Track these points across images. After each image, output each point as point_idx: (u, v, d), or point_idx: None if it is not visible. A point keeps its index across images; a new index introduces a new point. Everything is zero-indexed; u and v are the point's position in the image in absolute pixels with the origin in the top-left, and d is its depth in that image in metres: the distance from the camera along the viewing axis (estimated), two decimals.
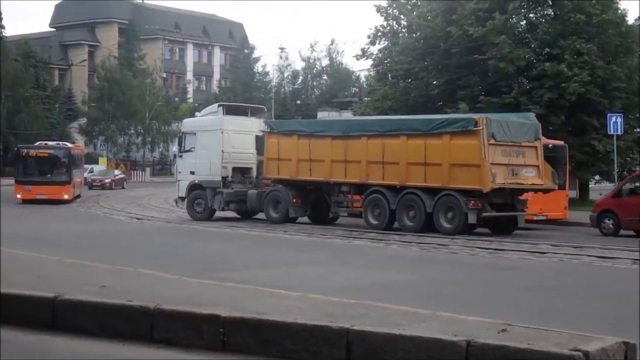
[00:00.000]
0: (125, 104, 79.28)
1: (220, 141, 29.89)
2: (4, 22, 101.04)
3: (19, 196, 39.88)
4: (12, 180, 42.03)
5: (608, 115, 33.98)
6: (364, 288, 12.59)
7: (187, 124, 32.99)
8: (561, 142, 31.46)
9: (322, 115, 68.16)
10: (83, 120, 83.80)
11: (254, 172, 30.84)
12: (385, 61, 45.32)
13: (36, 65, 79.21)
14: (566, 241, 22.57)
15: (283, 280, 12.72)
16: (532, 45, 39.53)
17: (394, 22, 45.01)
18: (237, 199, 29.99)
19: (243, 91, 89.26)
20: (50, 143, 46.50)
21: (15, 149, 43.91)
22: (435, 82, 41.51)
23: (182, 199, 31.09)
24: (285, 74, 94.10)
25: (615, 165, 34.90)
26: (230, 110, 31.71)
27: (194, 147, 30.65)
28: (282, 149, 28.72)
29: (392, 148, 25.81)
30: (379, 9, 44.59)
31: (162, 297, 8.68)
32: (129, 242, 21.74)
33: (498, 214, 25.18)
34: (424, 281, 14.42)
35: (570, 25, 37.86)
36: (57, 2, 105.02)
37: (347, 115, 57.35)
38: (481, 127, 23.82)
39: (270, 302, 8.83)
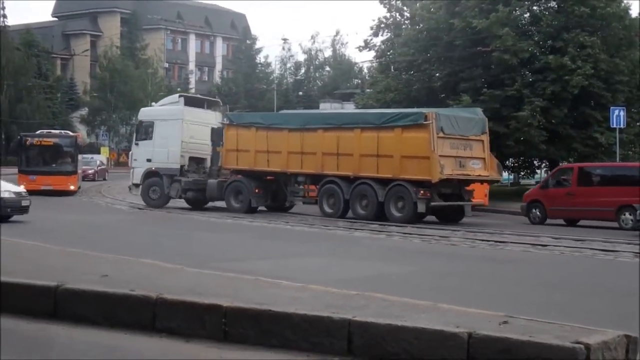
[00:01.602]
0: (127, 94, 79.24)
1: (180, 130, 30.79)
2: (6, 12, 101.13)
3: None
4: (15, 170, 40.01)
5: (611, 108, 33.94)
6: (364, 279, 12.61)
7: (145, 112, 33.75)
8: None
9: (324, 106, 68.17)
10: (85, 110, 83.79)
11: (208, 163, 31.77)
12: (388, 53, 45.24)
13: (38, 54, 79.11)
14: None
15: (284, 271, 12.73)
16: (536, 38, 39.44)
17: (397, 14, 44.92)
18: (196, 187, 30.92)
19: (245, 82, 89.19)
20: (54, 131, 45.91)
21: (18, 137, 42.67)
22: (437, 74, 41.42)
23: (137, 185, 31.85)
24: (288, 65, 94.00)
25: (618, 158, 34.87)
26: (189, 102, 32.64)
27: (151, 136, 31.47)
28: (241, 140, 29.82)
29: (347, 140, 27.11)
30: (382, 1, 44.49)
31: (164, 286, 8.69)
32: (131, 231, 21.76)
33: (446, 204, 26.58)
34: (425, 273, 14.44)
35: (574, 18, 37.78)
36: None
37: (350, 107, 57.37)
38: (430, 121, 25.26)
39: (271, 292, 8.85)
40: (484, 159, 27.26)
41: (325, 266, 15.01)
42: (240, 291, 8.80)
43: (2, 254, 12.07)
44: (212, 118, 32.03)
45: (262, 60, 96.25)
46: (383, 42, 45.23)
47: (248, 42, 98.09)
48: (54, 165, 39.81)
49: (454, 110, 29.75)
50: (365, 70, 76.76)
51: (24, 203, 22.97)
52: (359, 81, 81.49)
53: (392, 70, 44.64)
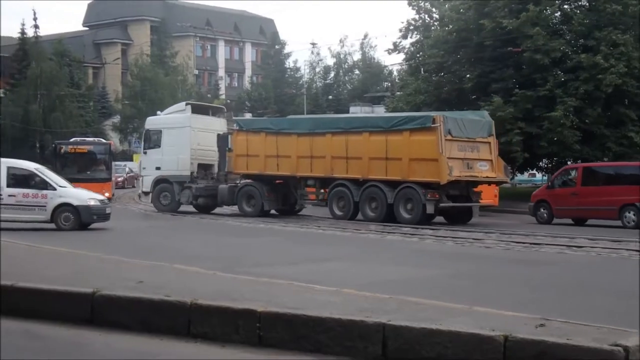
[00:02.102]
0: (158, 102, 79.61)
1: (189, 138, 31.47)
2: (38, 22, 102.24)
3: None
4: None
5: None
6: (398, 283, 12.57)
7: (152, 121, 34.18)
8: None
9: (354, 110, 67.92)
10: (117, 118, 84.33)
11: (215, 169, 32.42)
12: (418, 55, 45.11)
13: (70, 64, 79.74)
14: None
15: (317, 275, 12.73)
16: (567, 37, 39.16)
17: (426, 15, 44.74)
18: (206, 193, 31.65)
19: (274, 87, 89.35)
20: (87, 139, 46.20)
21: (53, 145, 43.04)
22: (468, 76, 41.25)
23: (146, 193, 32.24)
24: (317, 69, 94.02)
25: None
26: (195, 109, 33.20)
27: (159, 144, 32.08)
28: (251, 145, 30.53)
29: (355, 144, 27.85)
30: (410, 3, 44.38)
31: (198, 292, 8.75)
32: (166, 237, 21.88)
33: (454, 205, 27.17)
34: (459, 276, 14.36)
35: (606, 16, 37.44)
36: (89, 1, 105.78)
37: (380, 110, 57.33)
38: (438, 124, 25.90)
39: (305, 297, 8.88)
40: (491, 160, 27.85)
41: (358, 270, 15.00)
42: (274, 296, 8.83)
43: (42, 261, 12.23)
44: (218, 124, 32.92)
45: (291, 65, 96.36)
46: (412, 44, 45.10)
47: (277, 47, 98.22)
48: (88, 172, 39.93)
49: (461, 113, 30.60)
50: (395, 73, 76.44)
51: (107, 210, 23.94)
52: (389, 84, 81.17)
53: (422, 72, 44.51)
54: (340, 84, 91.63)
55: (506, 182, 28.58)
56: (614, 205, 26.65)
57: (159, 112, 36.11)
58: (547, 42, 36.66)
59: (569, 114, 36.01)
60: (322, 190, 29.66)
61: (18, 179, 23.18)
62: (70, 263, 12.43)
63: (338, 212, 28.34)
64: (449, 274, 14.45)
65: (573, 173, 29.93)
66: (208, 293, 8.79)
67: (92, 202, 23.51)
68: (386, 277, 13.66)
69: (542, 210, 29.05)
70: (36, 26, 77.44)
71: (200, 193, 31.58)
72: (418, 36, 44.84)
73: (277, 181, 30.56)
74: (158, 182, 31.99)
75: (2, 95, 72.16)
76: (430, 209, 26.38)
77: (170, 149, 31.59)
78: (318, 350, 7.29)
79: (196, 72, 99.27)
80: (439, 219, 27.76)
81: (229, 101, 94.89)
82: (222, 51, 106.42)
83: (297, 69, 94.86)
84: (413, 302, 8.75)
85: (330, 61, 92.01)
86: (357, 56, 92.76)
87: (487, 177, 27.77)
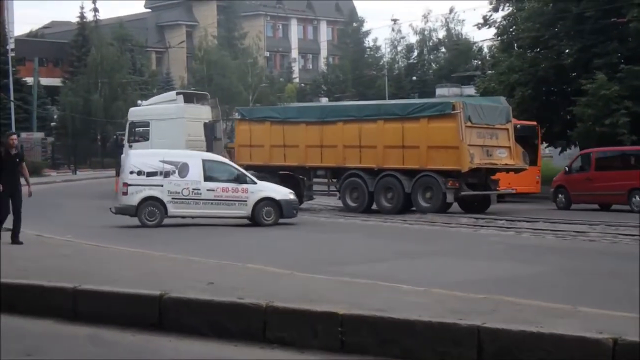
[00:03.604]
0: (225, 87, 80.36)
1: (183, 129, 31.97)
2: (98, 5, 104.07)
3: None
4: (112, 173, 40.91)
5: None
6: (492, 281, 12.47)
7: (137, 113, 34.66)
8: (533, 123, 35.94)
9: (440, 91, 67.63)
10: None
11: None
12: (510, 29, 44.61)
13: (132, 49, 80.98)
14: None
15: (403, 274, 12.70)
16: None
17: None
18: None
19: (353, 68, 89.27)
20: None
21: (114, 136, 43.88)
22: (567, 51, 40.54)
23: None
24: (399, 48, 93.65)
25: None
26: (185, 98, 33.99)
27: (147, 137, 32.51)
28: (254, 135, 31.49)
29: (370, 132, 28.75)
30: None
31: (273, 293, 8.80)
32: (232, 234, 22.09)
33: (475, 193, 28.30)
34: (560, 273, 14.17)
35: None
36: None
37: (470, 90, 56.83)
38: (459, 111, 26.94)
39: (390, 297, 8.86)
40: (509, 147, 28.94)
41: (448, 267, 14.92)
42: (357, 297, 8.84)
43: (108, 262, 12.47)
44: (205, 113, 33.52)
45: (371, 44, 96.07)
46: (504, 17, 44.60)
47: (355, 25, 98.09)
48: None
49: (479, 99, 32.43)
50: (486, 50, 75.69)
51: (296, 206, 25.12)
52: (479, 62, 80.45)
53: (516, 48, 43.96)
54: (424, 64, 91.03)
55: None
56: (622, 189, 28.84)
57: (140, 102, 36.65)
58: None
59: None
60: (334, 180, 30.47)
61: (215, 173, 24.21)
62: (138, 264, 12.65)
63: (351, 204, 29.12)
64: (549, 271, 14.27)
65: (588, 158, 31.73)
66: (285, 295, 8.84)
67: (291, 196, 24.66)
68: (480, 275, 13.55)
69: (560, 195, 31.17)
70: (96, 9, 79.15)
71: None
72: (511, 8, 44.31)
73: (282, 172, 30.94)
74: None
75: (61, 84, 73.84)
76: (450, 197, 27.44)
77: (160, 142, 31.59)
78: (406, 356, 7.27)
79: (267, 54, 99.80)
80: (455, 207, 28.50)
81: (303, 85, 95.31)
82: (294, 31, 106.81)
83: (377, 49, 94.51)
84: (510, 302, 8.67)
85: (413, 39, 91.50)
86: (442, 33, 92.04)
87: (505, 164, 28.84)
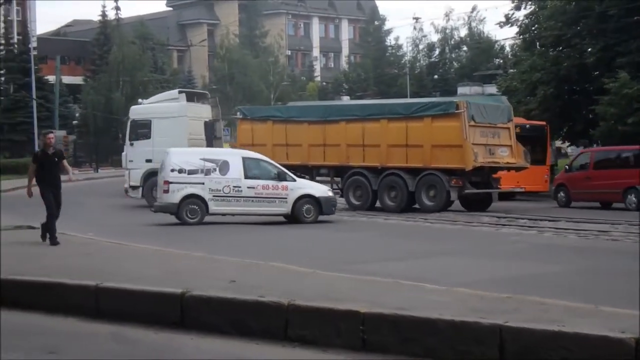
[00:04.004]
0: (247, 86, 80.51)
1: (186, 128, 31.92)
2: (119, 4, 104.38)
3: None
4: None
5: None
6: (514, 280, 12.43)
7: (138, 111, 34.42)
8: (542, 123, 36.60)
9: (462, 90, 67.26)
10: None
11: None
12: (533, 28, 44.44)
13: (154, 47, 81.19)
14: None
15: (424, 273, 12.68)
16: None
17: None
18: None
19: (374, 67, 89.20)
20: None
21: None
22: (590, 50, 40.35)
23: (134, 187, 32.50)
24: (420, 47, 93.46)
25: None
26: (187, 97, 33.93)
27: (149, 135, 32.40)
28: (257, 134, 31.85)
29: (373, 131, 29.10)
30: None
31: (295, 292, 8.82)
32: (254, 233, 22.13)
33: (478, 191, 28.65)
34: (583, 272, 14.11)
35: None
36: None
37: (491, 89, 56.73)
38: (462, 110, 27.35)
39: (411, 296, 8.86)
40: (510, 146, 29.41)
41: (469, 266, 14.88)
42: (378, 295, 8.84)
43: (129, 259, 12.54)
44: (205, 112, 33.60)
45: (392, 42, 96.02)
46: (526, 16, 44.47)
47: (376, 23, 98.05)
48: None
49: (480, 99, 33.39)
50: (508, 49, 75.43)
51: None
52: (501, 61, 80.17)
53: (538, 47, 43.80)
54: (446, 62, 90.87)
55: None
56: (617, 188, 29.67)
57: (141, 101, 36.81)
58: None
59: None
60: (337, 179, 30.63)
61: (255, 171, 24.41)
62: (159, 262, 12.70)
63: (355, 202, 29.35)
64: (572, 270, 14.22)
65: (587, 157, 32.95)
66: (306, 293, 8.85)
67: (330, 193, 25.10)
68: (502, 273, 13.52)
69: (561, 193, 32.15)
70: (117, 8, 79.57)
71: None
72: (533, 7, 44.17)
73: None
74: (149, 175, 32.25)
75: (83, 82, 74.21)
76: (454, 195, 27.86)
77: (162, 140, 31.31)
78: (428, 355, 7.27)
79: (288, 52, 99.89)
80: (456, 205, 28.92)
81: (324, 83, 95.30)
82: (316, 29, 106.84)
83: (399, 47, 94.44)
84: (532, 301, 8.65)
85: (435, 37, 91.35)
86: (464, 31, 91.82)
87: (507, 163, 29.30)
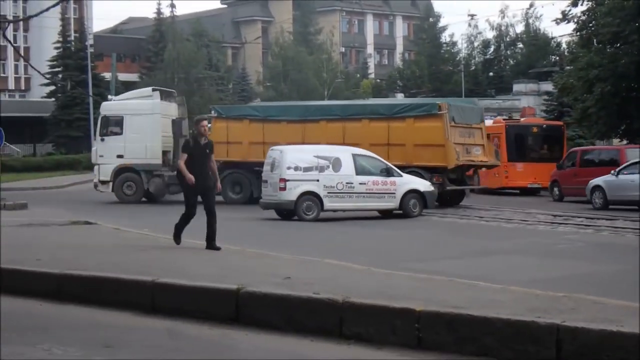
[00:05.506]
0: (301, 83, 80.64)
1: (159, 125, 32.59)
2: (175, 1, 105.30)
3: None
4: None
5: None
6: (571, 279, 12.33)
7: (109, 107, 35.14)
8: (559, 122, 39.72)
9: (518, 87, 66.94)
10: (258, 101, 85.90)
11: (171, 155, 32.66)
12: (590, 24, 43.84)
13: (208, 44, 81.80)
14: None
15: (480, 271, 12.63)
16: None
17: None
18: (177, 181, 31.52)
19: (429, 64, 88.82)
20: None
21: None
22: None
23: (103, 182, 32.83)
24: (475, 44, 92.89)
25: None
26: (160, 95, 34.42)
27: (120, 131, 32.86)
28: (232, 133, 32.26)
29: (354, 131, 29.95)
30: None
31: (350, 289, 8.82)
32: (309, 231, 22.18)
33: (457, 187, 29.98)
34: None
35: None
36: None
37: (547, 86, 56.23)
38: (445, 111, 28.88)
39: (467, 294, 8.81)
40: (483, 145, 31.13)
41: (525, 265, 14.78)
42: (434, 293, 8.81)
43: (184, 255, 12.63)
44: (173, 110, 34.04)
45: (447, 39, 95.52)
46: (583, 12, 43.87)
47: (431, 20, 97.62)
48: None
49: (456, 101, 35.26)
50: (564, 46, 74.66)
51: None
52: (557, 58, 79.38)
53: (595, 43, 43.22)
54: (501, 60, 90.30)
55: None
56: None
57: (111, 97, 37.11)
58: None
59: None
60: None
61: (365, 167, 24.94)
62: (214, 258, 12.76)
63: None
64: (630, 270, 14.02)
65: (575, 155, 35.15)
66: (361, 290, 8.85)
67: (432, 188, 25.98)
68: (559, 272, 13.42)
69: (555, 189, 34.42)
70: (173, 5, 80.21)
71: (173, 181, 31.84)
72: (590, 3, 43.60)
73: (257, 168, 30.27)
74: (120, 171, 32.66)
75: (138, 79, 74.94)
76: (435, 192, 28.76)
77: (135, 136, 32.31)
78: (483, 354, 7.22)
79: (342, 49, 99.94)
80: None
81: (378, 80, 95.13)
82: (370, 26, 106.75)
83: (454, 44, 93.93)
84: (591, 300, 8.55)
85: (490, 34, 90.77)
86: (520, 28, 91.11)
87: (481, 160, 31.09)
